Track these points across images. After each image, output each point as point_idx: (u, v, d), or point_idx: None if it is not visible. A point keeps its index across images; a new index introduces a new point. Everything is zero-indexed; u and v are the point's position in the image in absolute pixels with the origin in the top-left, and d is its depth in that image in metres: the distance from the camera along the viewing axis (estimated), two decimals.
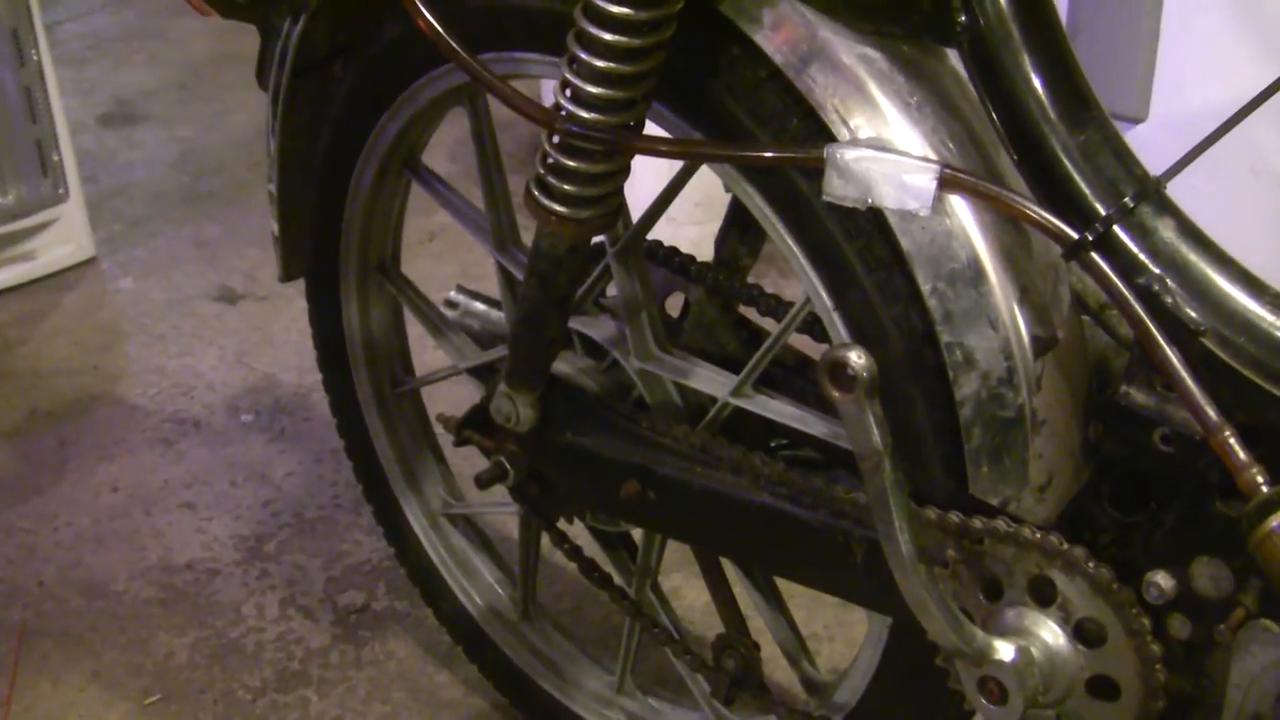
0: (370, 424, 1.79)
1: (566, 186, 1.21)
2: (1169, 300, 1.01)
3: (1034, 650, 1.12)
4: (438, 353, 1.73)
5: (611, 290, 1.42)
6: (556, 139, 1.19)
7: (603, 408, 1.38)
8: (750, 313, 1.46)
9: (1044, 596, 1.13)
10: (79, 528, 2.23)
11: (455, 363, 1.67)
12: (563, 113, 1.17)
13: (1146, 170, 1.05)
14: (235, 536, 2.20)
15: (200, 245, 3.10)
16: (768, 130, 1.17)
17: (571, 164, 1.19)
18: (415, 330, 1.74)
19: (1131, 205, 1.03)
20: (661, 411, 1.41)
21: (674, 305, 1.49)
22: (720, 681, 1.43)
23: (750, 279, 1.45)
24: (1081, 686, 1.13)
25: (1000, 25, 1.06)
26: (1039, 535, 1.10)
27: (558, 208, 1.22)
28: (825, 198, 1.06)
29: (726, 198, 1.36)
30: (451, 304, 1.75)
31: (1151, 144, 1.14)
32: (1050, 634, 1.13)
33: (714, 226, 1.47)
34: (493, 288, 1.62)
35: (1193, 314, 1.01)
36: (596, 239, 1.33)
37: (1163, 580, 1.06)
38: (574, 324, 1.42)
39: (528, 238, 1.37)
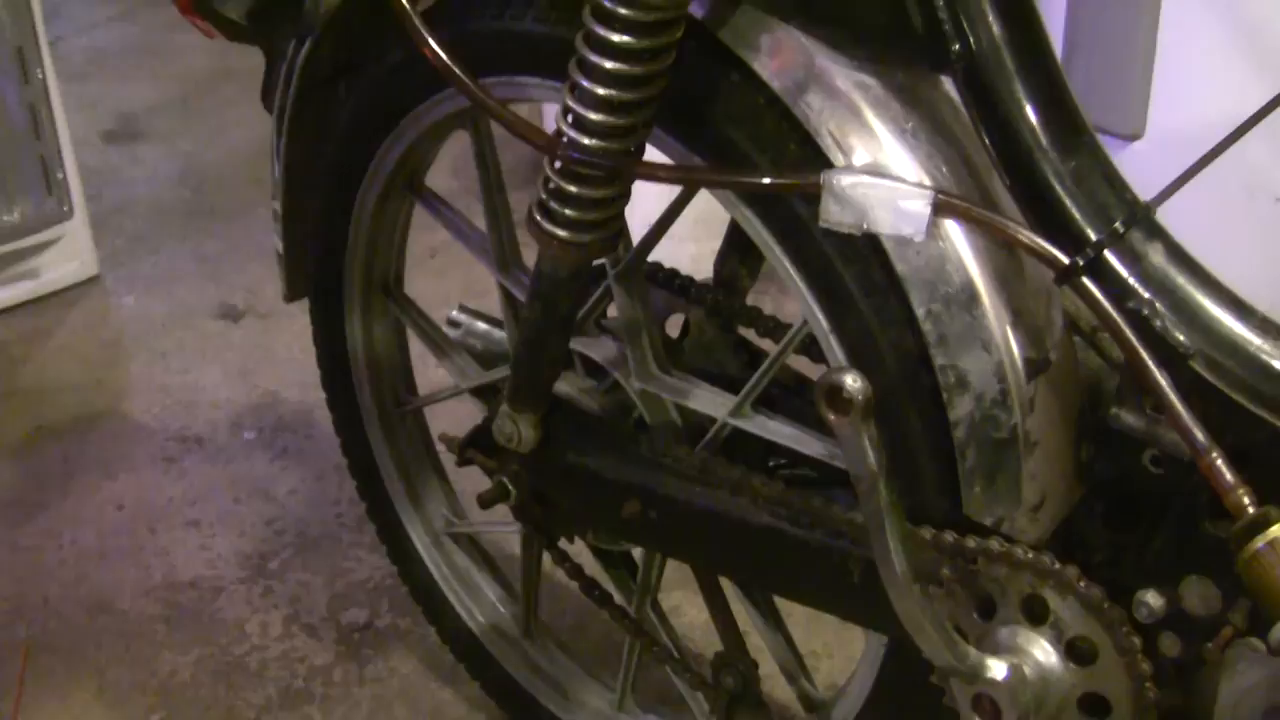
0: (373, 442, 1.81)
1: (568, 211, 1.23)
2: (1158, 324, 1.03)
3: (1026, 668, 1.13)
4: (440, 372, 1.75)
5: (613, 311, 1.44)
6: (558, 164, 1.21)
7: (604, 428, 1.40)
8: (750, 334, 1.48)
9: (1036, 615, 1.14)
10: (83, 545, 2.24)
11: (458, 382, 1.69)
12: (564, 139, 1.19)
13: (1136, 195, 1.07)
14: (239, 554, 2.22)
15: (202, 261, 3.11)
16: (766, 155, 1.19)
17: (573, 189, 1.21)
18: (418, 349, 1.75)
19: (1122, 230, 1.05)
20: (662, 432, 1.43)
21: (674, 326, 1.51)
22: (719, 699, 1.45)
23: (750, 295, 1.47)
24: (1073, 704, 1.15)
25: (994, 53, 1.08)
26: (1031, 555, 1.12)
27: (559, 232, 1.24)
28: (822, 223, 1.08)
29: (726, 216, 1.38)
30: (454, 324, 1.76)
31: (1148, 161, 1.16)
32: (1042, 652, 1.14)
33: (713, 244, 1.49)
34: (493, 304, 1.64)
35: (1182, 338, 1.03)
36: (598, 261, 1.35)
37: (1153, 599, 1.08)
38: (575, 345, 1.43)
39: (529, 257, 1.39)
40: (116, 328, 2.90)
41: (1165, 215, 1.08)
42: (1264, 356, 1.02)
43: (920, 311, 1.13)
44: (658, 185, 1.27)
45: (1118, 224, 1.05)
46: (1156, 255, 1.05)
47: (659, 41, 1.16)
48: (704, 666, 1.51)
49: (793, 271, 1.21)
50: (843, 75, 1.15)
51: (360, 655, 2.01)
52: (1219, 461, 0.97)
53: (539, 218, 1.25)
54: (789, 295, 2.74)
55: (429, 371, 1.87)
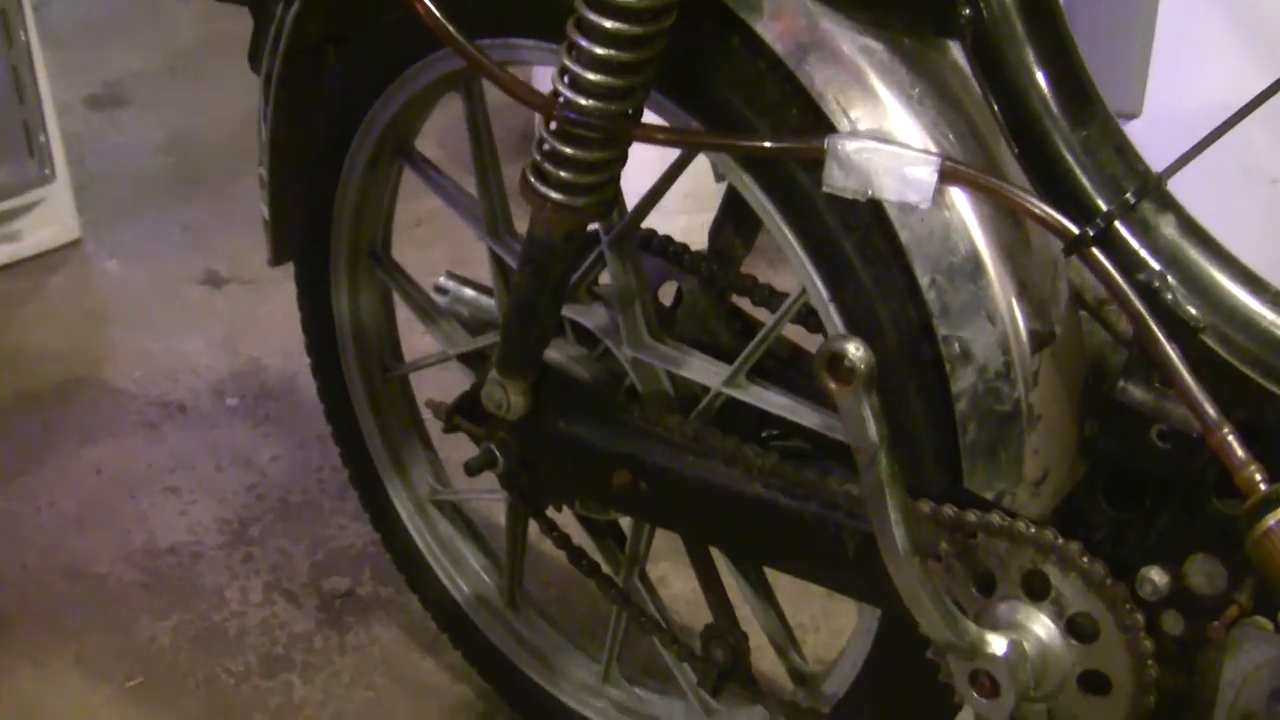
0: (358, 409, 1.78)
1: (563, 173, 1.20)
2: (1169, 297, 1.01)
3: (1026, 645, 1.11)
4: (427, 338, 1.72)
5: (605, 278, 1.42)
6: (554, 126, 1.18)
7: (595, 397, 1.38)
8: (744, 304, 1.45)
9: (1037, 591, 1.12)
10: (62, 511, 2.21)
11: (445, 349, 1.67)
12: (561, 99, 1.16)
13: (1148, 166, 1.05)
14: (219, 520, 2.19)
15: (186, 229, 3.08)
16: (767, 121, 1.17)
17: (569, 151, 1.19)
18: (405, 315, 1.73)
19: (1133, 201, 1.02)
20: (654, 401, 1.40)
21: (666, 296, 1.48)
22: (708, 672, 1.43)
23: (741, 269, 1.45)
24: (1073, 681, 1.13)
25: (1004, 18, 1.05)
26: (1033, 530, 1.10)
27: (554, 194, 1.21)
28: (825, 189, 1.06)
29: (717, 190, 1.36)
30: (442, 290, 1.74)
31: (1145, 140, 1.14)
32: (1043, 628, 1.12)
33: (704, 216, 1.47)
34: (481, 274, 1.61)
35: (1193, 311, 1.01)
36: (591, 227, 1.32)
37: (1157, 576, 1.06)
38: (566, 312, 1.41)
39: (521, 226, 1.37)
40: (98, 293, 2.87)
41: (1171, 192, 1.06)
42: (1277, 331, 1.00)
43: (923, 281, 1.11)
44: (652, 154, 1.25)
45: (1129, 194, 1.03)
46: (1168, 227, 1.03)
47: (659, 1, 1.13)
48: (692, 638, 1.49)
49: (791, 239, 1.19)
50: (848, 39, 1.12)
51: (341, 623, 1.99)
52: (1230, 438, 0.95)
53: (533, 180, 1.22)
54: (779, 270, 2.73)
55: (414, 338, 1.85)
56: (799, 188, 1.17)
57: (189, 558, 2.11)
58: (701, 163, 1.30)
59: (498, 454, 1.44)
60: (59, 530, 2.17)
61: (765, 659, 1.60)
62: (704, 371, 1.36)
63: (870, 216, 1.13)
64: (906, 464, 1.13)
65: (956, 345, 1.11)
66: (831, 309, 1.19)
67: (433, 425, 1.69)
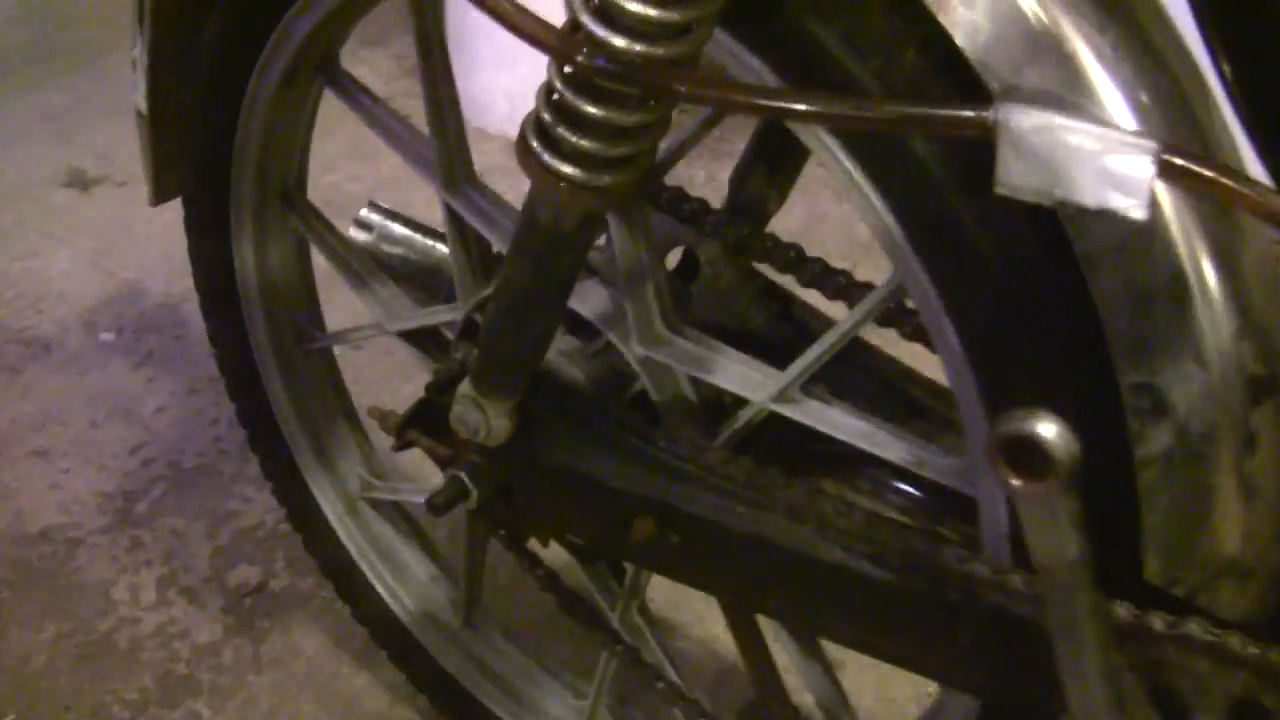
0: (270, 387, 1.44)
1: (584, 141, 0.85)
2: None
3: None
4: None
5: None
6: (573, 73, 0.83)
7: (606, 420, 1.04)
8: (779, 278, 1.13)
9: None
10: None
11: (380, 322, 1.32)
12: (583, 35, 0.81)
13: None
14: (99, 494, 1.83)
15: (47, 118, 2.67)
16: (870, 65, 0.83)
17: (592, 110, 0.84)
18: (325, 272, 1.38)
19: None
20: (671, 411, 1.08)
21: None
22: None
23: None
24: None
25: None
26: (1254, 649, 0.79)
27: (567, 169, 0.86)
28: (1000, 189, 0.72)
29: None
30: (363, 226, 1.39)
31: None
32: None
33: (722, 165, 1.13)
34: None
35: None
36: None
37: None
38: None
39: (487, 167, 1.01)
40: None
41: None
42: None
43: (1106, 305, 0.78)
44: None
45: None
46: None
47: None
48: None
49: (896, 228, 0.86)
50: None
51: (254, 629, 1.65)
52: None
53: (537, 146, 0.87)
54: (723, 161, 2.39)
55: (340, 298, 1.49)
56: (911, 159, 0.83)
57: (64, 545, 1.75)
58: None
59: (469, 484, 1.10)
60: None
61: None
62: (742, 380, 1.03)
63: (1024, 210, 0.80)
64: None
65: (1148, 396, 0.79)
66: (945, 324, 0.87)
67: (364, 405, 1.36)
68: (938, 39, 0.79)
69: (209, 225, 1.38)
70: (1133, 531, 0.82)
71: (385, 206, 1.41)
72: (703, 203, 1.12)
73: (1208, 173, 0.70)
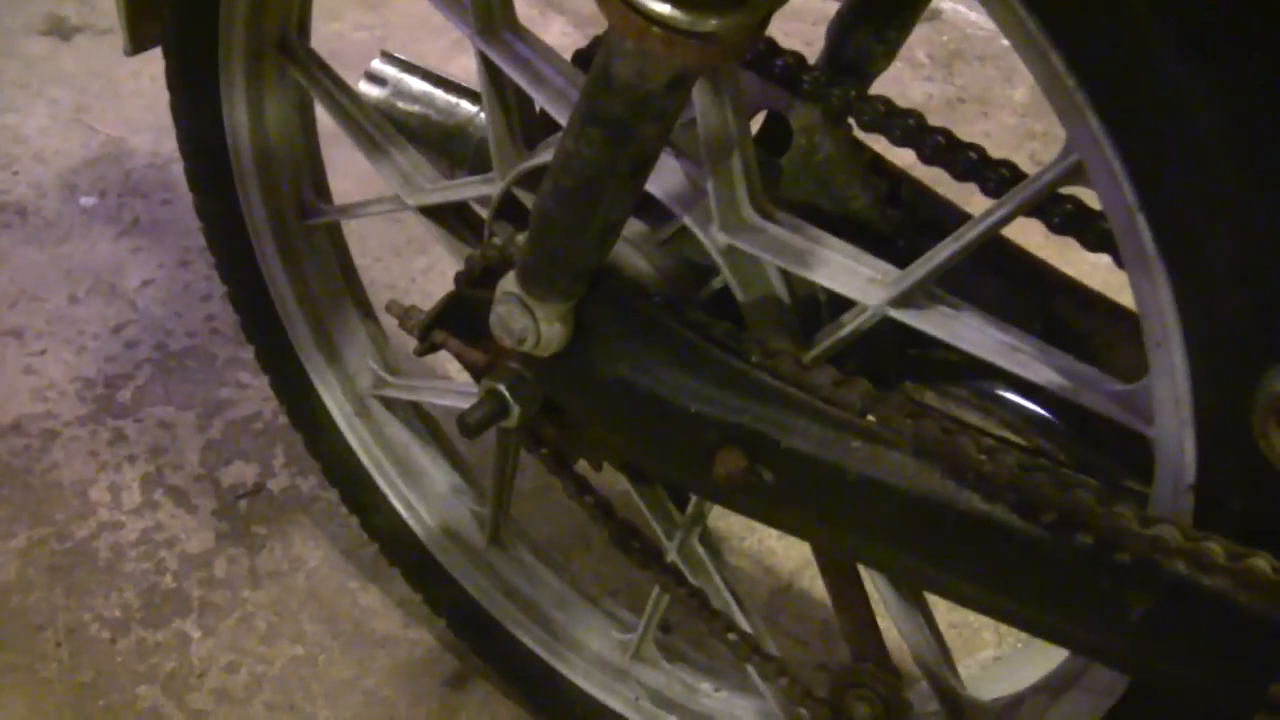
0: (266, 268, 1.25)
1: None
2: None
3: None
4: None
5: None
6: None
7: (686, 329, 0.84)
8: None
9: None
10: None
11: (399, 194, 1.12)
12: None
13: None
14: (78, 380, 1.64)
15: None
16: None
17: None
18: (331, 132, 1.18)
19: None
20: (758, 312, 0.88)
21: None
22: None
23: None
24: None
25: None
26: None
27: (662, 7, 0.65)
28: None
29: None
30: (376, 79, 1.19)
31: None
32: None
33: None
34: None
35: None
36: None
37: None
38: None
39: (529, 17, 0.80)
40: None
41: None
42: None
43: None
44: None
45: None
46: None
47: None
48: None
49: (1085, 101, 0.66)
50: None
51: (250, 536, 1.47)
52: None
53: None
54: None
55: (348, 163, 1.29)
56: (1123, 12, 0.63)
57: (39, 438, 1.56)
58: None
59: (510, 400, 0.90)
60: None
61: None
62: (851, 278, 0.83)
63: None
64: None
65: None
66: (1140, 220, 0.67)
67: (376, 291, 1.17)
68: None
69: (195, 79, 1.18)
70: None
71: (401, 57, 1.20)
72: (797, 57, 0.91)
73: None
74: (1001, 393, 0.94)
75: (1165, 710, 0.84)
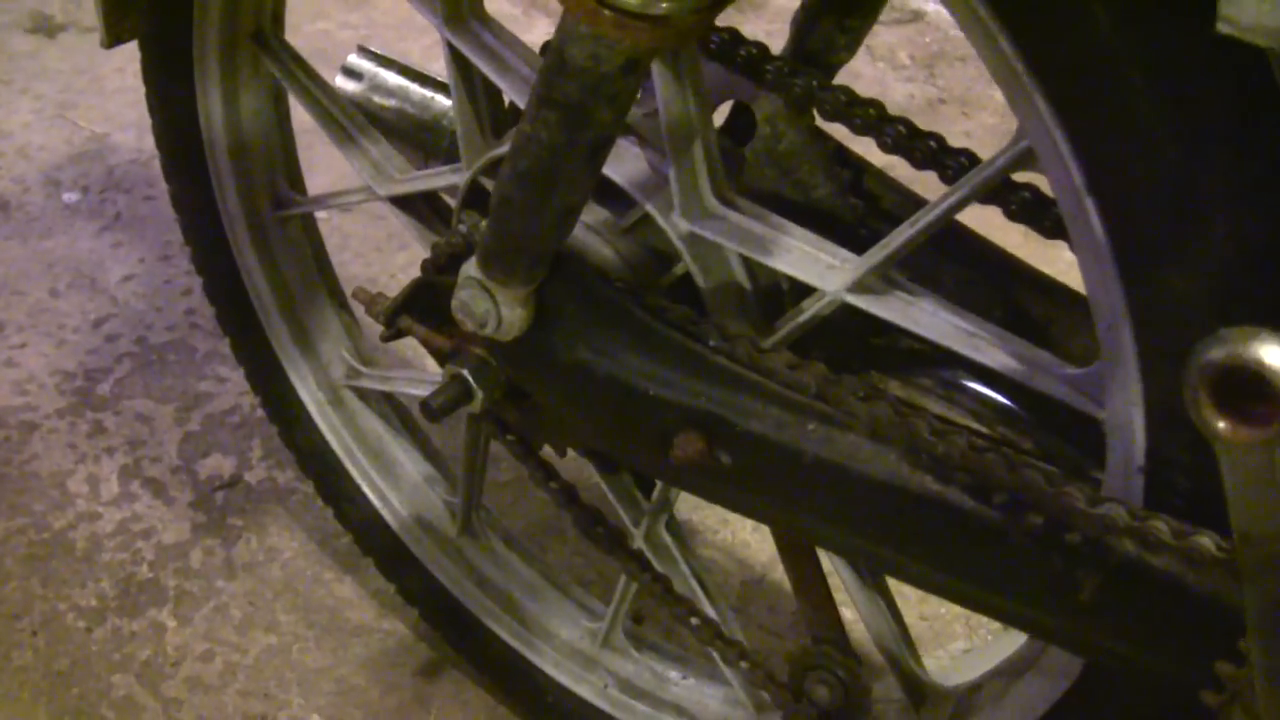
0: (241, 258, 1.26)
1: None
2: None
3: None
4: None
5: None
6: None
7: (645, 313, 0.85)
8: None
9: None
10: None
11: (370, 184, 1.13)
12: None
13: None
14: (57, 373, 1.65)
15: None
16: None
17: None
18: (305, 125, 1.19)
19: None
20: (719, 298, 0.89)
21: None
22: (799, 714, 0.95)
23: None
24: None
25: None
26: None
27: None
28: (1222, 28, 0.53)
29: None
30: (352, 73, 1.20)
31: None
32: None
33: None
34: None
35: None
36: None
37: None
38: None
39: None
40: None
41: None
42: None
43: None
44: None
45: None
46: None
47: None
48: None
49: (1021, 67, 0.67)
50: None
51: (226, 528, 1.48)
52: None
53: None
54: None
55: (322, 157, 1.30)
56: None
57: (18, 430, 1.57)
58: None
59: (473, 384, 0.91)
60: None
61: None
62: (810, 264, 0.85)
63: (1213, 55, 0.61)
64: None
65: None
66: (1088, 203, 0.68)
67: (349, 281, 1.18)
68: None
69: (170, 71, 1.19)
70: None
71: (377, 51, 1.21)
72: (760, 48, 0.92)
73: None
74: (965, 382, 0.95)
75: (1118, 692, 0.85)
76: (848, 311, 0.85)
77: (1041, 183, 0.75)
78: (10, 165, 1.98)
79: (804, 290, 0.86)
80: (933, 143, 0.86)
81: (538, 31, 2.24)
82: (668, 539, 1.08)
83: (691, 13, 0.66)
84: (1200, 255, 0.66)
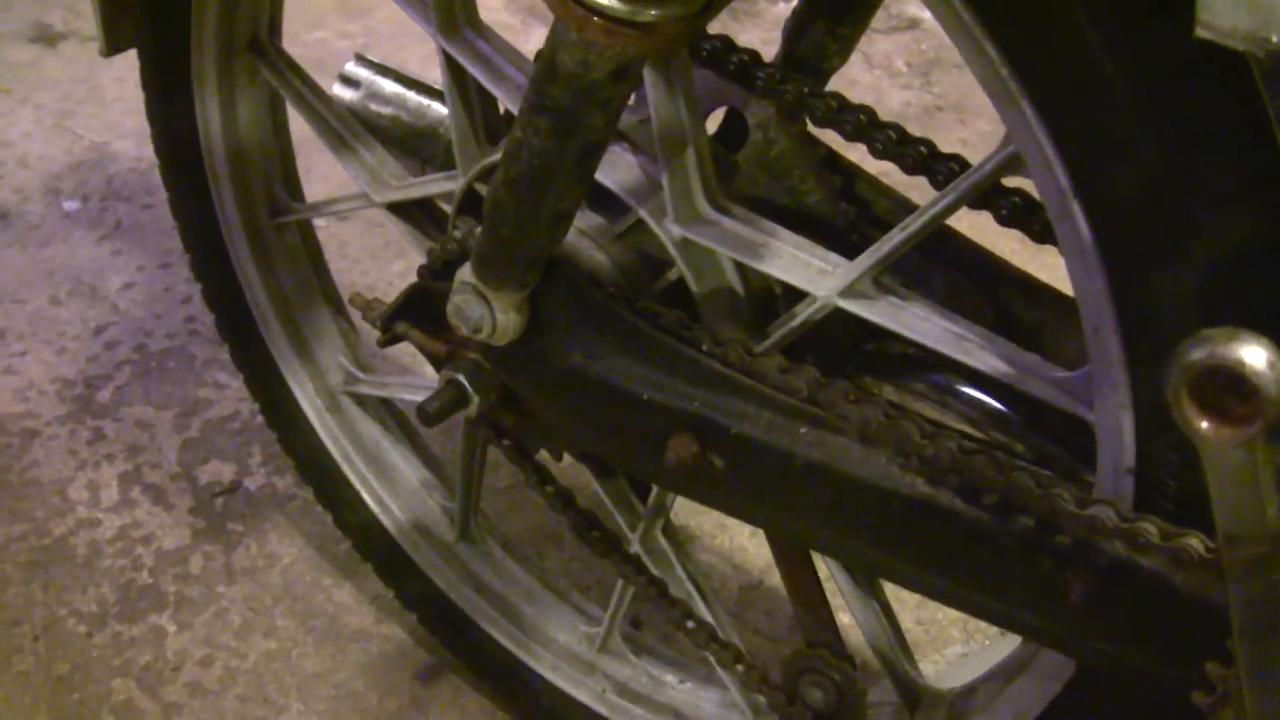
0: (239, 265, 1.27)
1: None
2: None
3: None
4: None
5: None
6: None
7: (638, 318, 0.86)
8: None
9: None
10: None
11: (367, 191, 1.14)
12: None
13: None
14: (58, 380, 1.66)
15: None
16: None
17: None
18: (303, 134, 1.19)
19: None
20: (712, 303, 0.90)
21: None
22: (793, 715, 0.96)
23: None
24: None
25: None
26: None
27: (608, 1, 0.67)
28: (1200, 32, 0.53)
29: None
30: (349, 82, 1.20)
31: None
32: None
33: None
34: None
35: None
36: None
37: None
38: None
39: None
40: None
41: None
42: None
43: None
44: None
45: None
46: None
47: None
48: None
49: (1007, 72, 0.68)
50: None
51: (226, 533, 1.49)
52: None
53: None
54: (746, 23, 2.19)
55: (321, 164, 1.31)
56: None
57: (19, 437, 1.58)
58: None
59: (468, 389, 0.92)
60: None
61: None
62: (802, 269, 0.85)
63: (1192, 59, 0.61)
64: None
65: None
66: (1075, 208, 0.69)
67: (347, 288, 1.19)
68: None
69: (168, 79, 1.20)
70: None
71: (374, 60, 1.22)
72: (753, 54, 0.93)
73: None
74: (956, 386, 0.96)
75: (1110, 693, 0.85)
76: (839, 316, 0.86)
77: (1031, 188, 0.76)
78: (11, 174, 1.99)
79: (796, 295, 0.87)
80: (923, 148, 0.87)
81: (535, 41, 2.25)
82: (664, 543, 1.09)
83: (679, 20, 0.67)
84: (1186, 258, 0.66)
